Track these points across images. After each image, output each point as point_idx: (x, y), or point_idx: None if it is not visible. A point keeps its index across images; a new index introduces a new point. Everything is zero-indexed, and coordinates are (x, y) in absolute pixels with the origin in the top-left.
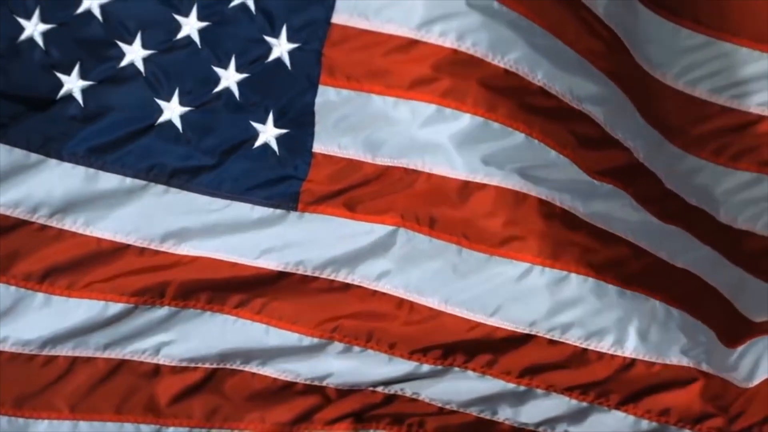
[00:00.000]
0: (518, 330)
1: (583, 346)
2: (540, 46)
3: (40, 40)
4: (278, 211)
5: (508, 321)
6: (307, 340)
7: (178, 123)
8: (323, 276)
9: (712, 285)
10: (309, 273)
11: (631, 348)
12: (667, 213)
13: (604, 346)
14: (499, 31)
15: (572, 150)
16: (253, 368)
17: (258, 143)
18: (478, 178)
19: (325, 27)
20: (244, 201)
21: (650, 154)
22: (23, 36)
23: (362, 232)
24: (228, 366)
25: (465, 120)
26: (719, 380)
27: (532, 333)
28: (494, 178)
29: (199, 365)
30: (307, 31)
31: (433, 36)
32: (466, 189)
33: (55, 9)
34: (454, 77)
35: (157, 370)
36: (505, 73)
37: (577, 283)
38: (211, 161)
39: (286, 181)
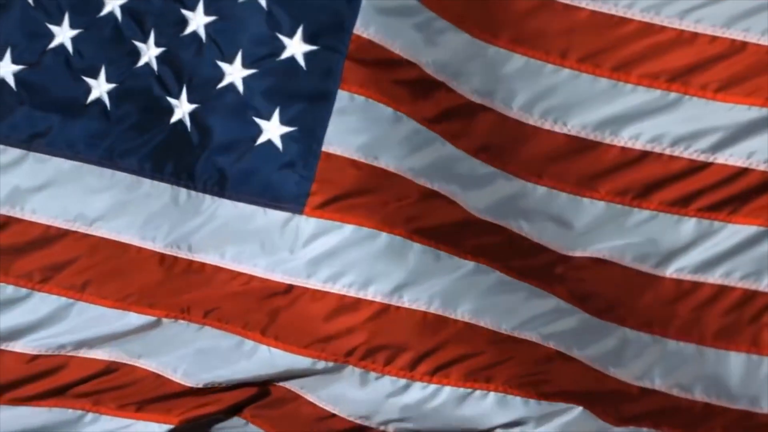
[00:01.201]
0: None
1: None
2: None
3: (69, 46)
4: (286, 215)
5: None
6: (321, 364)
7: (187, 121)
8: (334, 291)
9: None
10: (319, 287)
11: None
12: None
13: None
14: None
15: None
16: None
17: (260, 140)
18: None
19: (348, 35)
20: (253, 203)
21: None
22: (54, 43)
23: (372, 241)
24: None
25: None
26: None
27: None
28: None
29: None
30: (327, 36)
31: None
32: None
33: (81, 13)
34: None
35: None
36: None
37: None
38: (219, 161)
39: (291, 182)
